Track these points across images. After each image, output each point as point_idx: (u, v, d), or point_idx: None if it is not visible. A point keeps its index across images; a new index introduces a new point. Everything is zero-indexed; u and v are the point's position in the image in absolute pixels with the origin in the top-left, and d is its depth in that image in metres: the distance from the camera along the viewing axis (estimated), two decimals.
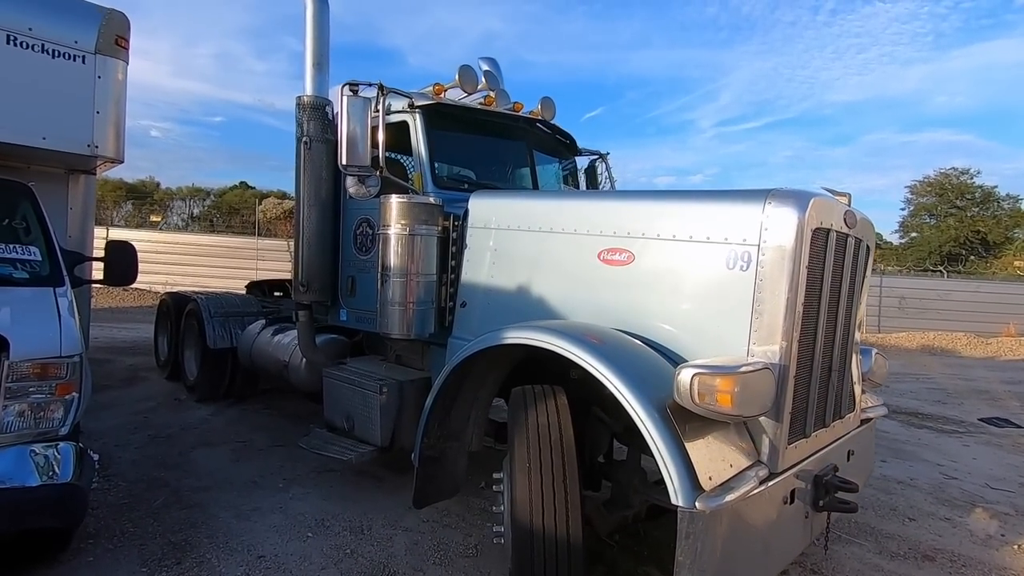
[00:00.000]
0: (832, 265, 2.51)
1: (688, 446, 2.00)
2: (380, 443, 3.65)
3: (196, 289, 8.88)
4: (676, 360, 2.48)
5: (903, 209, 36.12)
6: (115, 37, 3.52)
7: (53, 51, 3.31)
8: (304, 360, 4.44)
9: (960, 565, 3.42)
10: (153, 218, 21.45)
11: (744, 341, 2.34)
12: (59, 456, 2.53)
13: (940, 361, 13.27)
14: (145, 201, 23.36)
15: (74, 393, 2.63)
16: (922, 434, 6.54)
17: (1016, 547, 3.70)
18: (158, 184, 26.47)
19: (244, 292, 7.43)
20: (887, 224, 37.03)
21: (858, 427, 3.11)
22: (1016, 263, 25.20)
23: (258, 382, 6.20)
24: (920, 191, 34.97)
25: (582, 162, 5.07)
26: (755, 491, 2.10)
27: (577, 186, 4.96)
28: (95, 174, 4.41)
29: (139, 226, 20.31)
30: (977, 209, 33.06)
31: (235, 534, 3.32)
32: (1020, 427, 7.14)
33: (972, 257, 31.59)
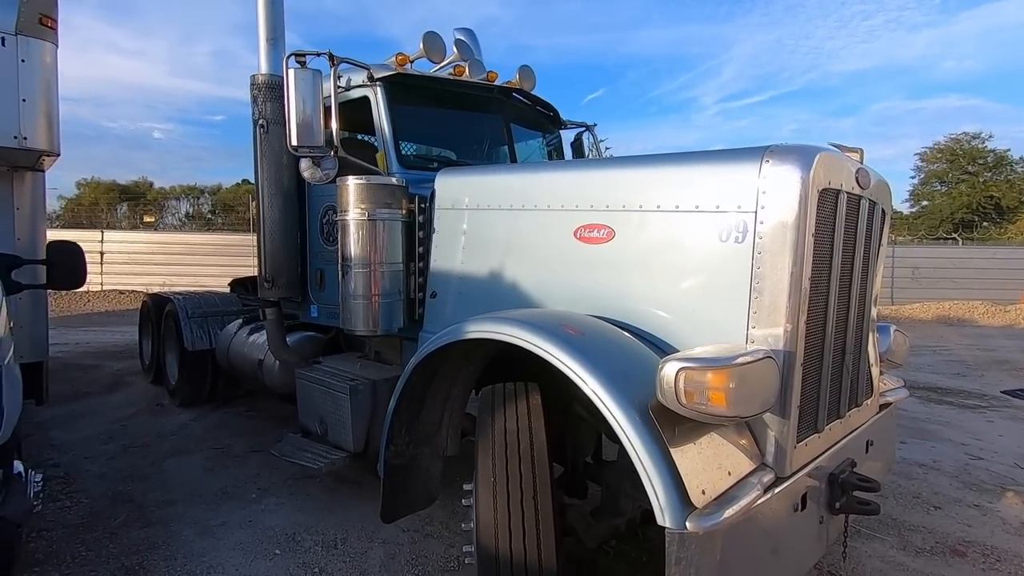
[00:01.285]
0: (843, 232, 2.15)
1: (675, 454, 1.67)
2: (353, 448, 3.36)
3: (193, 289, 8.63)
4: (665, 351, 2.15)
5: (913, 178, 35.30)
6: (38, 16, 3.19)
7: None
8: (277, 361, 4.15)
9: (994, 560, 3.10)
10: (147, 218, 21.20)
11: (742, 325, 2.00)
12: None
13: (957, 331, 12.82)
14: (139, 202, 23.12)
15: None
16: (943, 410, 6.19)
17: None
18: (151, 184, 26.23)
19: (228, 290, 7.18)
20: (897, 194, 36.10)
21: (877, 413, 2.77)
22: None
23: (240, 384, 5.93)
24: (930, 158, 34.08)
25: (568, 136, 4.70)
26: (759, 501, 1.78)
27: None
28: (43, 171, 4.10)
29: (134, 227, 20.10)
30: (990, 174, 32.19)
31: (196, 554, 3.05)
32: None
33: (985, 223, 30.82)
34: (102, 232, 16.95)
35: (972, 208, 31.10)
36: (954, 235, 24.05)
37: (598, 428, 2.58)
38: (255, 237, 4.03)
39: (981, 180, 31.82)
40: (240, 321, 5.27)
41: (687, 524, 1.59)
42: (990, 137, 32.46)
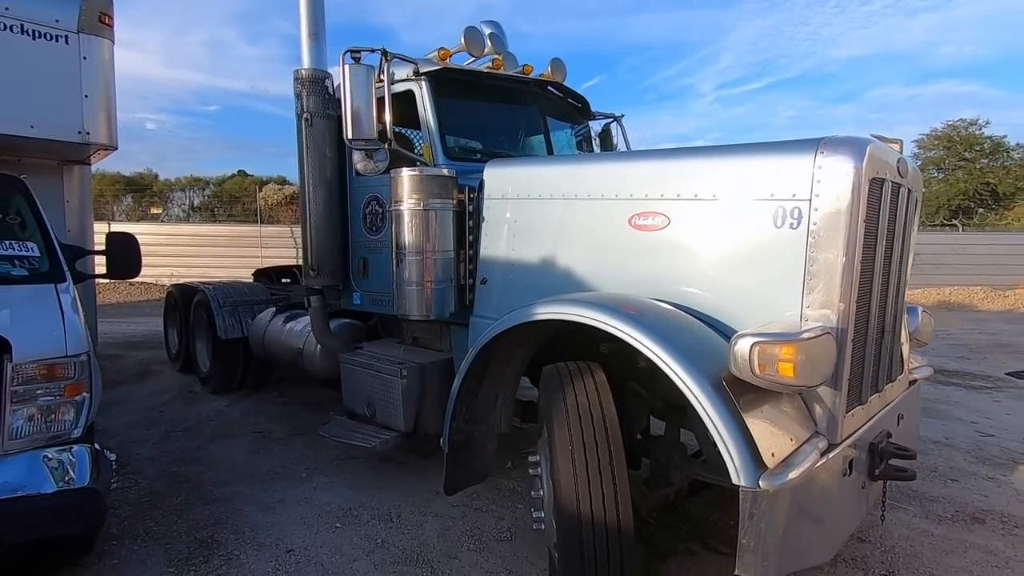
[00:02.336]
0: (888, 219, 2.31)
1: (748, 420, 1.84)
2: (404, 428, 3.54)
3: (201, 280, 8.77)
4: (720, 330, 2.31)
5: None
6: (98, 14, 3.29)
7: (33, 31, 3.08)
8: (319, 347, 4.30)
9: (1012, 526, 3.30)
10: (154, 210, 21.23)
11: (797, 306, 2.16)
12: (74, 460, 2.41)
13: (959, 316, 13.07)
14: (144, 194, 23.12)
15: (84, 393, 2.49)
16: (951, 391, 6.40)
17: None
18: (156, 176, 26.20)
19: (251, 280, 7.31)
20: None
21: (906, 389, 2.95)
22: None
23: (272, 371, 6.09)
24: (928, 145, 34.21)
25: (596, 126, 4.83)
26: (817, 464, 1.95)
27: (591, 151, 4.73)
28: (90, 164, 4.22)
29: (140, 219, 20.13)
30: (987, 160, 32.36)
31: (262, 528, 3.23)
32: None
33: (981, 210, 31.07)
34: (109, 223, 17.01)
35: (969, 195, 31.32)
36: (954, 221, 24.27)
37: (650, 405, 2.75)
38: (299, 228, 4.16)
39: (978, 167, 32.01)
40: (273, 310, 5.41)
41: (760, 483, 1.76)
42: (987, 123, 32.61)
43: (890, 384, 2.69)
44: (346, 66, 3.17)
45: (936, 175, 34.06)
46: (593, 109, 4.71)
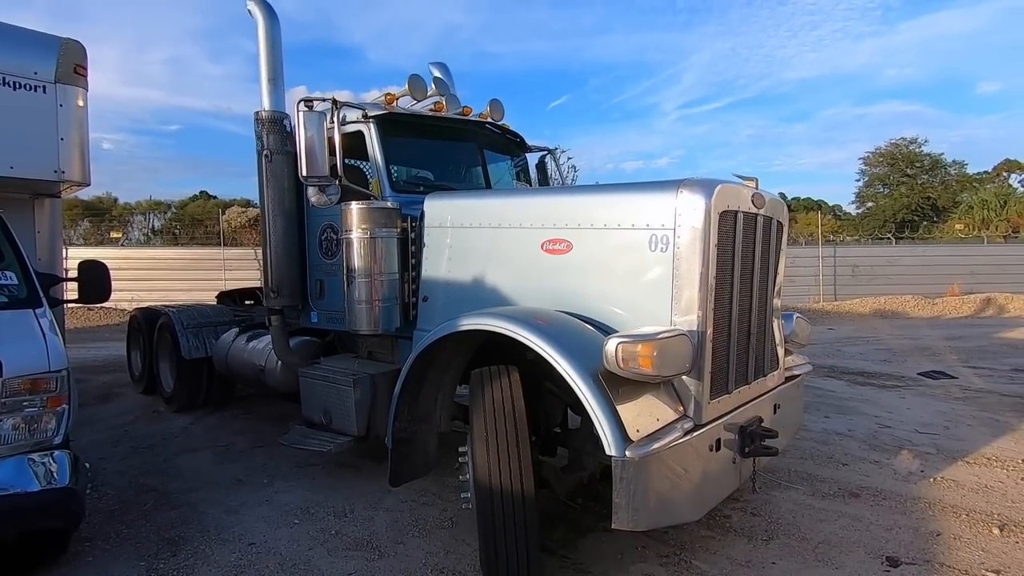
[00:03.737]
0: (742, 242, 2.87)
1: (618, 406, 2.33)
2: (357, 433, 3.92)
3: (164, 303, 8.94)
4: (612, 333, 2.81)
5: (858, 180, 37.54)
6: (73, 66, 3.67)
7: (14, 83, 3.45)
8: (280, 363, 4.66)
9: (882, 499, 3.87)
10: (113, 234, 21.02)
11: (667, 313, 2.68)
12: (55, 463, 2.74)
13: (890, 323, 14.07)
14: (103, 218, 22.85)
15: (64, 405, 2.83)
16: (865, 391, 7.09)
17: (931, 480, 4.18)
18: (116, 200, 25.89)
19: (215, 302, 7.57)
20: (845, 196, 38.59)
21: (783, 383, 3.51)
22: (957, 226, 26.54)
23: (235, 389, 6.37)
24: (873, 161, 36.36)
25: (533, 158, 5.37)
26: (680, 440, 2.45)
27: (529, 181, 5.27)
28: (60, 197, 4.53)
29: (100, 244, 19.91)
30: (926, 176, 34.57)
31: (226, 526, 3.56)
32: (954, 377, 7.76)
33: (924, 223, 33.05)
34: (66, 249, 16.82)
35: (912, 209, 33.35)
36: (888, 235, 25.83)
37: (564, 401, 3.23)
38: (258, 252, 4.55)
39: (919, 182, 34.16)
40: (236, 330, 5.73)
41: (627, 452, 2.25)
42: (926, 142, 34.97)
43: (762, 378, 3.24)
44: (300, 113, 3.62)
45: (882, 190, 36.15)
46: (539, 138, 5.28)
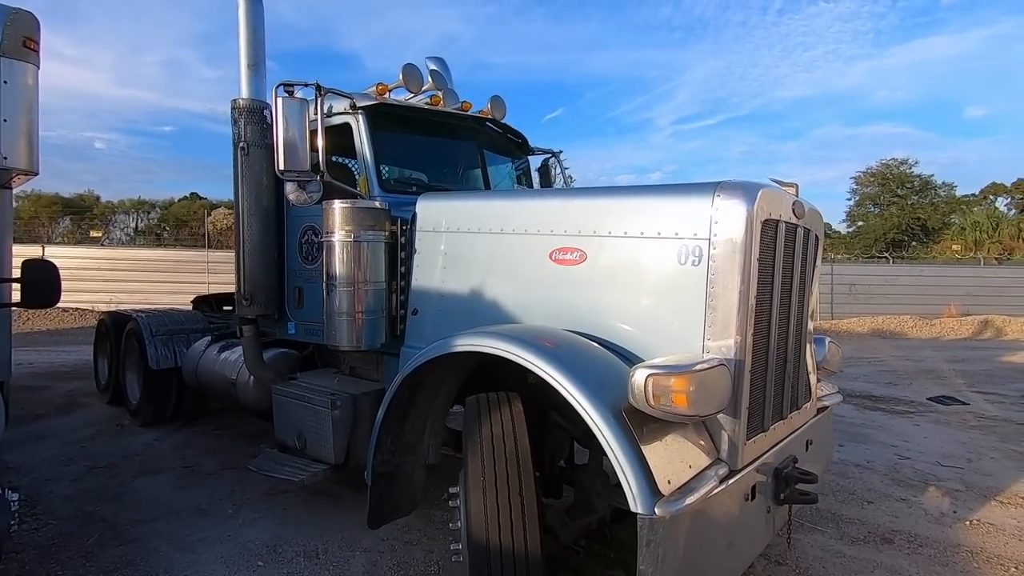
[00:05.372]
0: (783, 256, 2.49)
1: (645, 450, 1.93)
2: (334, 460, 3.48)
3: (143, 307, 8.44)
4: (633, 360, 2.41)
5: (849, 199, 37.79)
6: (22, 39, 3.24)
7: None
8: (252, 377, 4.21)
9: (917, 545, 3.48)
10: (93, 233, 20.33)
11: (699, 337, 2.29)
12: None
13: (889, 344, 13.80)
14: (84, 216, 22.17)
15: None
16: (875, 416, 6.74)
17: (967, 524, 3.81)
18: (98, 198, 25.18)
19: (191, 308, 7.10)
20: (836, 214, 38.67)
21: (815, 416, 3.12)
22: (954, 247, 26.58)
23: (207, 402, 5.89)
24: (864, 181, 36.58)
25: (535, 161, 4.99)
26: (716, 491, 2.05)
27: (531, 185, 4.88)
28: (11, 188, 4.07)
29: (79, 242, 19.24)
30: (916, 197, 34.79)
31: (178, 569, 3.10)
32: (965, 404, 7.44)
33: (914, 243, 33.20)
34: (43, 247, 16.20)
35: (901, 229, 33.51)
36: (885, 254, 25.80)
37: (572, 434, 2.82)
38: (234, 255, 4.11)
39: (909, 203, 34.37)
40: (208, 339, 5.28)
41: (656, 510, 1.84)
42: (916, 163, 35.27)
43: (796, 411, 2.85)
44: (279, 99, 3.21)
45: (872, 210, 36.32)
46: (537, 144, 4.89)
